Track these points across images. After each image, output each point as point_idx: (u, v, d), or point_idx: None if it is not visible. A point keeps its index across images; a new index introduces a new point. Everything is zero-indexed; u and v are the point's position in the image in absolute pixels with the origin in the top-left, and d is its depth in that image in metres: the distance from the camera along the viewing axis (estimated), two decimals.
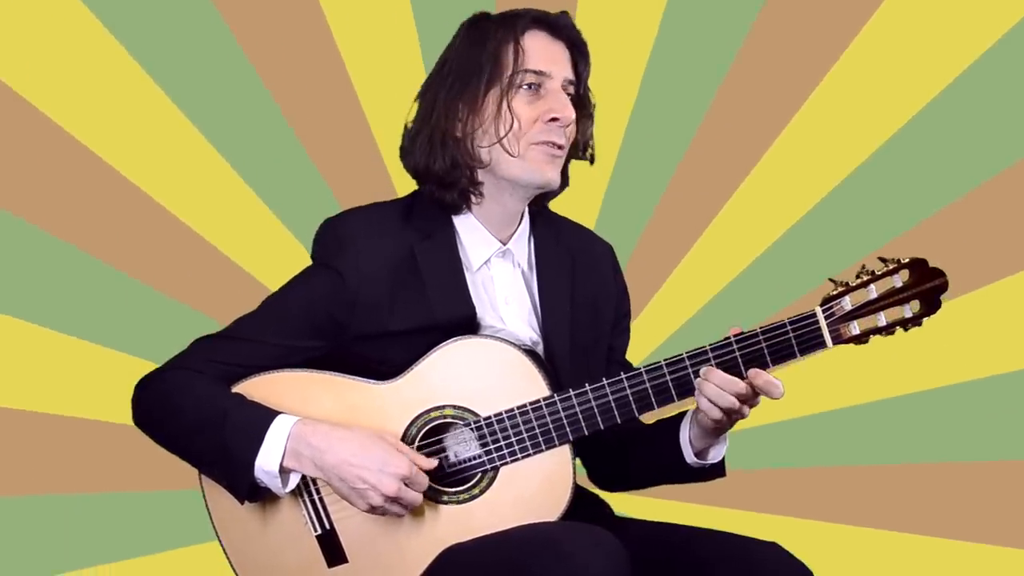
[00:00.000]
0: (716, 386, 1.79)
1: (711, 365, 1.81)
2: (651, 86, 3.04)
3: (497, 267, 1.99)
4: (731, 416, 1.82)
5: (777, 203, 3.06)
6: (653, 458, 2.02)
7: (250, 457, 1.83)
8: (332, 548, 1.90)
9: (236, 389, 1.91)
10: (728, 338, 1.81)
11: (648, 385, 1.83)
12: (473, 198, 1.96)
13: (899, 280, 1.80)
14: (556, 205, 2.11)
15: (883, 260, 1.81)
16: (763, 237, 3.06)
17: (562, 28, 1.94)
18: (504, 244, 1.98)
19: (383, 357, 1.90)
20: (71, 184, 2.83)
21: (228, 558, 1.96)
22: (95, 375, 2.80)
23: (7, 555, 2.77)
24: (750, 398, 1.80)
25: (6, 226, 2.80)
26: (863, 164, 3.02)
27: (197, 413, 1.87)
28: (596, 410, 1.84)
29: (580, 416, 1.84)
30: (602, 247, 2.16)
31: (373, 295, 1.88)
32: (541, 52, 1.92)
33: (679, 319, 2.98)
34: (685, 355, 1.82)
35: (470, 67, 1.91)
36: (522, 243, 2.02)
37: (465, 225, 1.97)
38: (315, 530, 1.90)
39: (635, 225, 3.05)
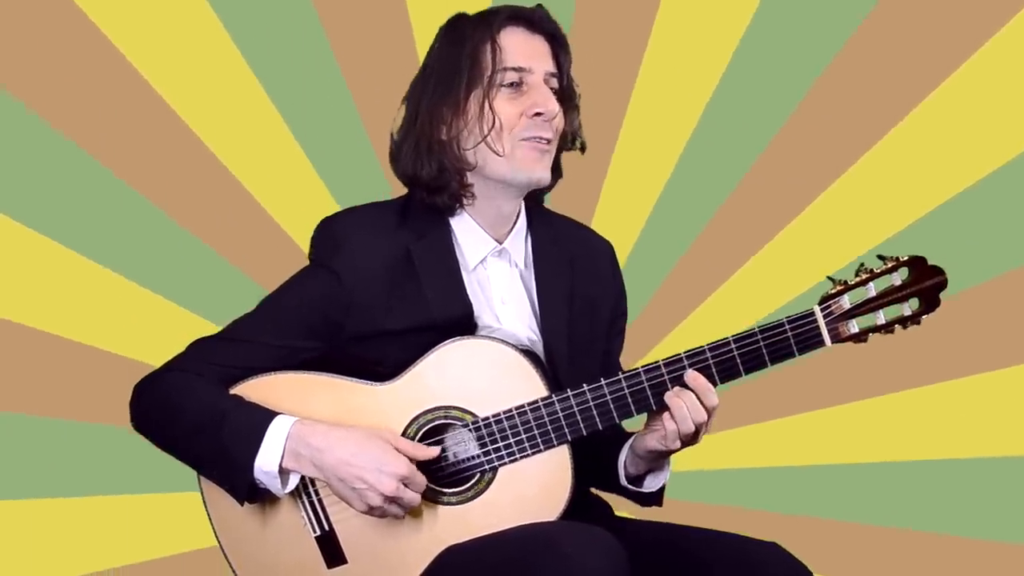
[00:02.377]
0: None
1: (709, 364, 1.80)
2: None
3: (493, 266, 1.98)
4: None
5: (776, 202, 3.05)
6: (597, 469, 2.02)
7: (249, 458, 1.83)
8: (331, 549, 1.90)
9: (234, 391, 1.90)
10: (726, 338, 1.81)
11: (646, 384, 1.82)
12: (464, 200, 1.95)
13: (898, 278, 1.80)
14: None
15: (882, 258, 1.80)
16: (763, 236, 3.05)
17: (539, 22, 1.94)
18: (500, 243, 1.98)
19: (380, 357, 1.90)
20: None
21: (228, 559, 1.96)
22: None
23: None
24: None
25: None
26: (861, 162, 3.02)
27: (196, 415, 1.87)
28: (594, 410, 1.83)
29: (578, 416, 1.84)
30: (602, 246, 2.15)
31: (369, 295, 1.88)
32: (519, 48, 1.91)
33: (678, 320, 2.98)
34: (683, 355, 1.82)
35: (450, 70, 1.91)
36: (519, 242, 2.01)
37: (461, 225, 1.97)
38: (314, 531, 1.90)
39: (633, 224, 3.05)
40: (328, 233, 1.94)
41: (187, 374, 1.91)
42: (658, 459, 1.92)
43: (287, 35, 2.90)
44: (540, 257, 2.02)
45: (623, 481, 1.97)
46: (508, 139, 1.89)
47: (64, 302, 2.84)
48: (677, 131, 3.04)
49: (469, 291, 1.94)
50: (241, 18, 2.89)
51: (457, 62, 1.90)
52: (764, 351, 1.79)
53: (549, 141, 1.92)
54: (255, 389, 1.91)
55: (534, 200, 2.05)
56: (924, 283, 1.79)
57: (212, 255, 2.91)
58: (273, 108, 2.91)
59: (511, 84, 1.90)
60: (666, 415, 1.81)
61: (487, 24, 1.91)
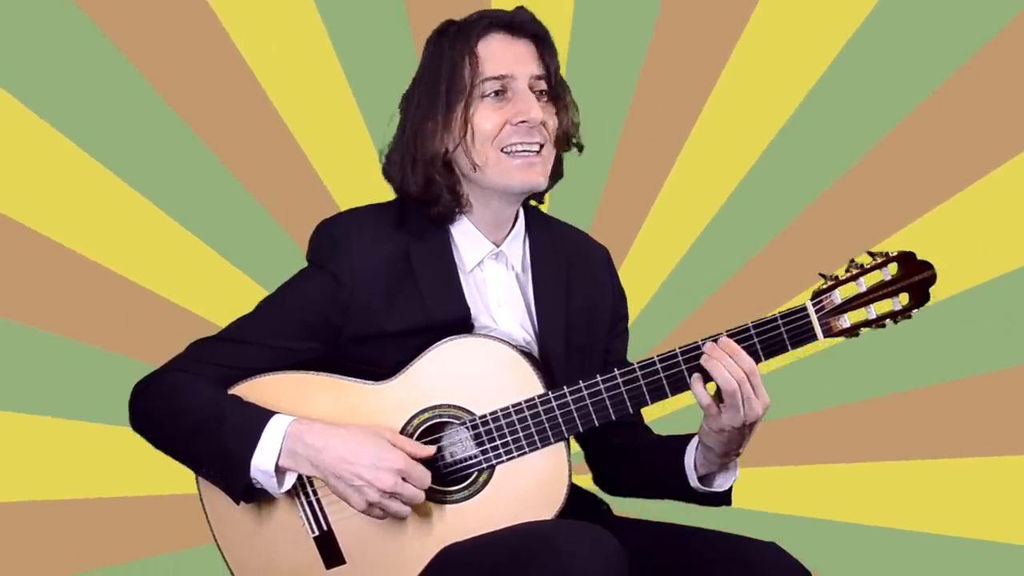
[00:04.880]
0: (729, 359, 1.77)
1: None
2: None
3: (490, 269, 2.00)
4: (740, 419, 1.79)
5: (771, 202, 3.06)
6: (658, 478, 2.02)
7: (246, 456, 1.83)
8: (329, 549, 1.91)
9: (233, 391, 1.91)
10: (720, 334, 1.83)
11: (642, 381, 1.84)
12: (460, 209, 1.97)
13: (888, 273, 1.82)
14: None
15: (872, 254, 1.83)
16: (758, 235, 3.07)
17: (520, 25, 1.93)
18: (497, 246, 2.00)
19: (379, 358, 1.91)
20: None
21: (225, 560, 1.96)
22: (92, 378, 2.80)
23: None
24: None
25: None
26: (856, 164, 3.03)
27: (194, 415, 1.88)
28: (591, 407, 1.85)
29: (575, 413, 1.85)
30: (598, 251, 2.17)
31: (367, 297, 1.90)
32: (500, 55, 1.91)
33: (677, 318, 2.99)
34: (678, 351, 1.84)
35: (433, 84, 1.92)
36: (516, 245, 2.03)
37: (459, 228, 1.99)
38: (312, 531, 1.91)
39: (632, 224, 3.06)
40: (326, 235, 1.95)
41: (185, 374, 1.92)
42: (728, 450, 1.87)
43: (291, 39, 2.92)
44: (537, 261, 2.04)
45: (694, 482, 1.94)
46: (493, 150, 1.90)
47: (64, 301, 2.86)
48: (755, 137, 3.06)
49: (466, 293, 1.96)
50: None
51: (438, 76, 1.92)
52: (758, 346, 1.81)
53: (540, 147, 1.92)
54: (253, 389, 1.92)
55: (535, 201, 2.07)
56: (913, 278, 1.81)
57: (211, 254, 2.93)
58: (276, 110, 2.93)
59: (495, 93, 1.90)
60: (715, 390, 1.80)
61: (466, 34, 1.92)
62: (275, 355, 1.93)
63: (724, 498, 1.98)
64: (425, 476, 1.83)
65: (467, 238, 1.99)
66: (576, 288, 2.05)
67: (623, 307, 2.17)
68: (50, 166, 2.81)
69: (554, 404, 1.86)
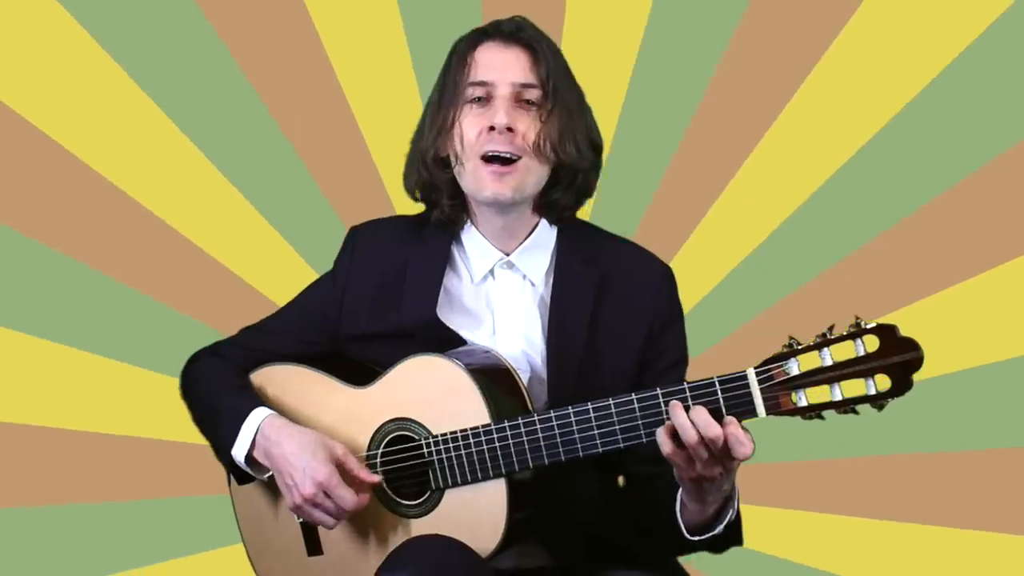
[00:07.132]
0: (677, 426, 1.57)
1: (636, 416, 1.64)
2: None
3: (502, 279, 1.95)
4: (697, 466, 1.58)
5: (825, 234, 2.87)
6: (665, 535, 1.81)
7: (228, 446, 1.94)
8: (312, 538, 1.97)
9: (254, 375, 2.03)
10: (655, 391, 1.62)
11: (575, 428, 1.70)
12: (462, 215, 1.95)
13: (862, 347, 1.47)
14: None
15: (858, 323, 1.49)
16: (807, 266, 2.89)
17: (511, 33, 1.90)
18: (507, 255, 1.94)
19: (373, 358, 1.95)
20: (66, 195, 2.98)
21: (240, 532, 2.10)
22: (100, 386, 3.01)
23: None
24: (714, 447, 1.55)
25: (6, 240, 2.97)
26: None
27: (206, 400, 2.02)
28: (527, 446, 1.74)
29: (513, 451, 1.75)
30: (648, 272, 1.97)
31: (356, 300, 1.97)
32: (488, 62, 1.89)
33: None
34: (611, 401, 1.67)
35: (437, 88, 1.95)
36: (531, 256, 1.95)
37: (469, 237, 1.97)
38: (298, 517, 1.98)
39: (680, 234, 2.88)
40: (349, 240, 2.05)
41: (215, 358, 2.07)
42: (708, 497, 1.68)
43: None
44: (560, 274, 1.93)
45: (686, 534, 1.77)
46: (473, 156, 1.87)
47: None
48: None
49: (472, 303, 1.94)
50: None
51: (441, 80, 1.95)
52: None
53: (510, 156, 1.85)
54: (268, 376, 2.02)
55: (560, 214, 1.95)
56: (891, 358, 1.45)
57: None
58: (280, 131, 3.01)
59: (477, 99, 1.88)
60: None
61: (469, 42, 1.93)
62: (294, 346, 2.03)
63: (732, 538, 1.76)
64: (347, 499, 1.82)
65: (477, 248, 1.96)
66: (605, 306, 1.92)
67: (668, 337, 1.94)
68: (152, 143, 3.02)
69: (495, 436, 1.76)
